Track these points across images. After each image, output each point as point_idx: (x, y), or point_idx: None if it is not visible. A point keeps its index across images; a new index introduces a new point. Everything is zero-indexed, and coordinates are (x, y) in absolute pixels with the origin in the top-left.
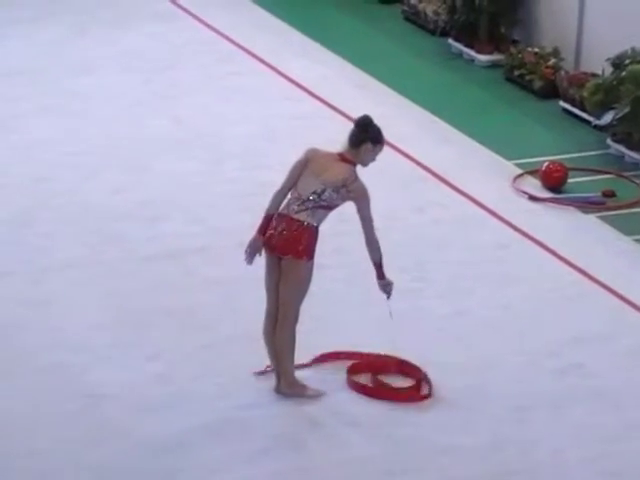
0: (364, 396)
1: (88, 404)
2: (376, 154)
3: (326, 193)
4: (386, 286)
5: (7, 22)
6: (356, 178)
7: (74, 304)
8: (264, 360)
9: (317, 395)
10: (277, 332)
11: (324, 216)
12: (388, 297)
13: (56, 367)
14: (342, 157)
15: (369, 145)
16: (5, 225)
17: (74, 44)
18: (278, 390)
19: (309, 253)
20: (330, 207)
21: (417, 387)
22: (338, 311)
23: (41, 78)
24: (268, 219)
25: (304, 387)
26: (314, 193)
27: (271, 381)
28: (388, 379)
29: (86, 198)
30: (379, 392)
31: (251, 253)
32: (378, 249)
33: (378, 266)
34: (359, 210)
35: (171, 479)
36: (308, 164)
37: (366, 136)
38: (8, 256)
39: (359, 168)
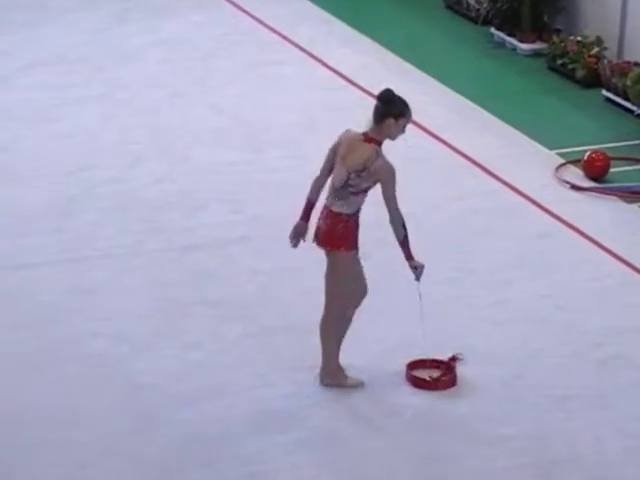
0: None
1: (129, 394)
2: (401, 127)
3: (351, 179)
4: (416, 268)
5: (49, 11)
6: (377, 157)
7: (116, 293)
8: (305, 350)
9: (357, 385)
10: (321, 322)
11: (361, 201)
12: (417, 279)
13: (97, 356)
14: (366, 137)
15: (391, 120)
16: (48, 214)
17: (116, 33)
18: (320, 380)
19: (346, 243)
20: (360, 192)
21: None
22: (379, 301)
23: (83, 67)
24: (309, 205)
25: (345, 377)
26: (342, 181)
27: (311, 372)
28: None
29: (128, 187)
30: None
31: (295, 237)
32: (401, 227)
33: (403, 245)
34: (382, 189)
35: (210, 469)
36: (339, 148)
37: (388, 111)
38: (50, 245)
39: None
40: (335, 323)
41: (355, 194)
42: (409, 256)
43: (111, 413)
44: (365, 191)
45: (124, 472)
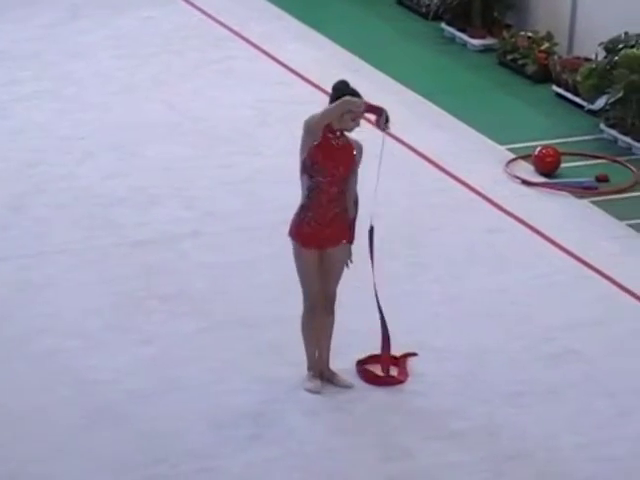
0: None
1: (81, 389)
2: (349, 120)
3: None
4: (383, 122)
5: (1, 6)
6: None
7: (67, 289)
8: (258, 345)
9: (314, 391)
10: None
11: (304, 185)
12: (383, 129)
13: (49, 352)
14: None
15: None
16: None
17: (68, 28)
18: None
19: (292, 230)
20: (302, 173)
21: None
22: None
23: (34, 62)
24: None
25: (309, 379)
26: None
27: (265, 367)
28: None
29: (79, 183)
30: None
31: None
32: (327, 113)
33: (371, 110)
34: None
35: (164, 464)
36: None
37: (334, 101)
38: (1, 241)
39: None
40: (304, 318)
41: (301, 173)
42: (379, 113)
43: (64, 409)
44: (303, 169)
45: (78, 467)
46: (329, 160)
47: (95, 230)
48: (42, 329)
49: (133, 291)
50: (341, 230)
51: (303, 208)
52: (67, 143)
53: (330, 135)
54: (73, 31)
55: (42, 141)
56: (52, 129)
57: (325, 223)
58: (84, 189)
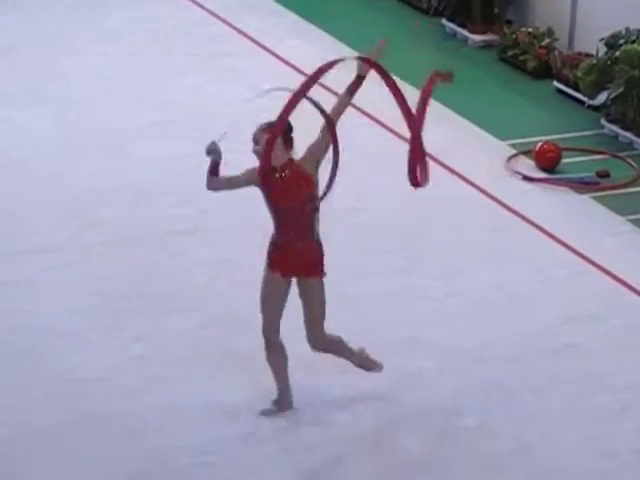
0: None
1: (68, 389)
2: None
3: None
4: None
5: None
6: None
7: (54, 287)
8: (246, 343)
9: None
10: None
11: (272, 218)
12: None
13: (36, 351)
14: None
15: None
16: None
17: (63, 24)
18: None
19: (267, 256)
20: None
21: None
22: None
23: (25, 60)
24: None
25: (282, 399)
26: None
27: (252, 367)
28: None
29: (67, 182)
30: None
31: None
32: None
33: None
34: None
35: (154, 463)
36: None
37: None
38: None
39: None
40: (266, 351)
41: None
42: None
43: (50, 408)
44: (265, 198)
45: (64, 466)
46: (285, 197)
47: (83, 229)
48: (28, 328)
49: (120, 289)
50: (312, 260)
51: (275, 236)
52: (57, 142)
53: (274, 175)
54: (69, 28)
55: (30, 140)
56: (41, 127)
57: (296, 252)
58: (73, 188)
